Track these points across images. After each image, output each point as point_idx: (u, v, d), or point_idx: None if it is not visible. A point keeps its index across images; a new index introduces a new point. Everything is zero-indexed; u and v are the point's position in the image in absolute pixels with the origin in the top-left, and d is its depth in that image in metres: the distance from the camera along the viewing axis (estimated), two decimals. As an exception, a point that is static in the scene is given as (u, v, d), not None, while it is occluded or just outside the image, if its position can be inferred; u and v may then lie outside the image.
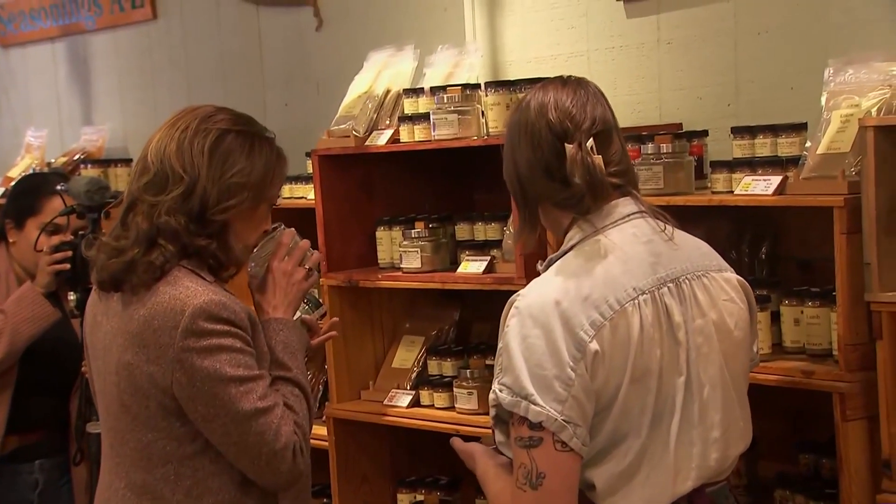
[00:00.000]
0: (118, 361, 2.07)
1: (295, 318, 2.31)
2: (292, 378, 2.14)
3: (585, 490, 1.85)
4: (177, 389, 2.02)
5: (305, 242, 2.27)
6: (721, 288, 1.95)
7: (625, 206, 1.92)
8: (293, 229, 2.27)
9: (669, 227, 1.94)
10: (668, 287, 1.88)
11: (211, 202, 2.07)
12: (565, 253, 1.92)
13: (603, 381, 1.82)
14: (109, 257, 2.08)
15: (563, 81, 1.98)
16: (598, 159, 1.87)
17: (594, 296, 1.83)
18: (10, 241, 3.31)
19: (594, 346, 1.80)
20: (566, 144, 1.88)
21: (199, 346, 2.01)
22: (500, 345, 1.87)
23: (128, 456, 2.10)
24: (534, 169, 1.92)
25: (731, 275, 1.99)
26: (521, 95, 2.03)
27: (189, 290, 2.03)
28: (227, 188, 2.08)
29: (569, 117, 1.91)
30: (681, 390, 1.86)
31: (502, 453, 1.97)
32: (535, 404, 1.78)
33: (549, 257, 1.96)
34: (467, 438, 2.89)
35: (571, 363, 1.79)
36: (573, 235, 1.92)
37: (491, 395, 1.87)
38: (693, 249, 1.97)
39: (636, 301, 1.84)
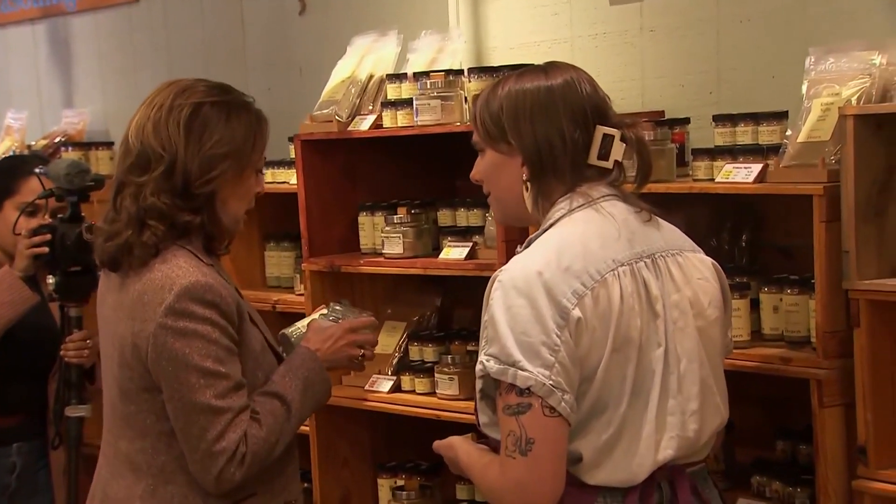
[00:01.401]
0: (114, 333, 2.13)
1: (308, 321, 2.41)
2: (291, 407, 2.14)
3: (570, 466, 1.87)
4: (150, 363, 2.06)
5: (376, 340, 2.41)
6: (695, 267, 1.99)
7: (602, 187, 1.96)
8: (376, 322, 2.44)
9: (645, 212, 1.97)
10: (645, 262, 1.92)
11: (193, 176, 2.09)
12: (545, 231, 1.94)
13: (587, 350, 1.85)
14: (106, 240, 2.13)
15: (564, 64, 2.02)
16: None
17: (575, 267, 1.86)
18: (-12, 223, 3.29)
19: (577, 313, 1.83)
20: (603, 126, 1.94)
21: (177, 326, 2.03)
22: (484, 318, 1.89)
23: (116, 425, 2.17)
24: (576, 145, 1.93)
25: (705, 257, 2.04)
26: (523, 70, 2.03)
27: (181, 270, 2.07)
28: (208, 160, 2.10)
29: (602, 97, 1.98)
30: (660, 361, 1.90)
31: (483, 442, 1.99)
32: (523, 370, 1.81)
33: (528, 238, 1.98)
34: (447, 423, 2.91)
35: (556, 330, 1.82)
36: (561, 208, 1.94)
37: (478, 367, 1.89)
38: (667, 231, 2.01)
39: (616, 272, 1.88)
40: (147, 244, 2.09)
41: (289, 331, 2.42)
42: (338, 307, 2.44)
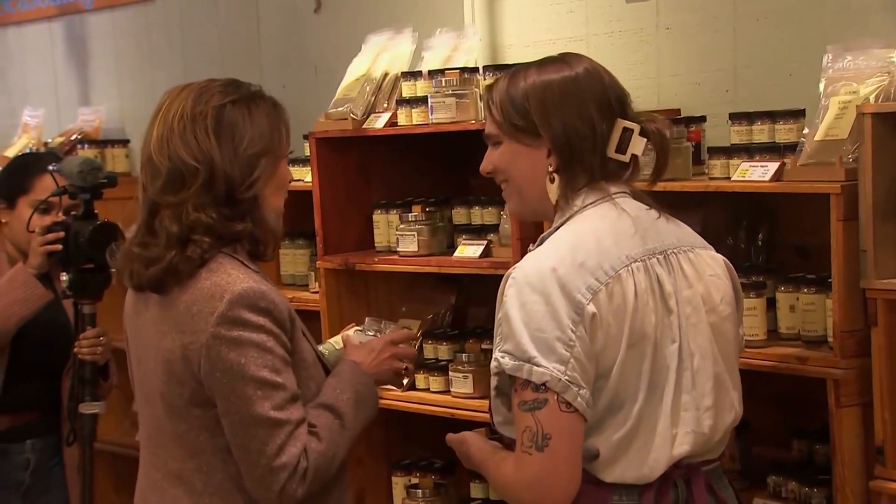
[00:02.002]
0: (157, 348, 2.01)
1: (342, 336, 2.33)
2: (345, 421, 2.04)
3: (586, 463, 1.86)
4: (203, 376, 1.96)
5: (415, 352, 2.31)
6: (706, 263, 1.99)
7: (614, 185, 1.96)
8: (416, 335, 2.30)
9: (654, 210, 1.98)
10: (658, 258, 1.92)
11: (236, 182, 1.99)
12: (558, 228, 1.94)
13: (602, 345, 1.84)
14: (145, 266, 2.00)
15: (579, 54, 2.02)
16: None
17: (589, 263, 1.85)
18: (3, 221, 3.30)
19: (591, 308, 1.83)
20: (630, 119, 1.94)
21: (230, 335, 1.93)
22: (498, 315, 1.89)
23: (165, 446, 2.05)
24: (602, 136, 1.93)
25: (716, 253, 2.04)
26: (542, 60, 2.03)
27: (230, 277, 1.96)
28: (247, 162, 2.00)
29: (622, 88, 1.97)
30: (674, 357, 1.89)
31: (496, 439, 1.99)
32: (539, 366, 1.81)
33: (541, 236, 1.97)
34: (462, 422, 2.90)
35: (571, 326, 1.82)
36: (575, 204, 1.94)
37: (493, 364, 1.88)
38: (678, 228, 2.01)
39: (629, 268, 1.88)
40: (192, 258, 1.97)
41: (320, 347, 2.35)
42: (372, 323, 2.38)
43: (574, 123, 1.92)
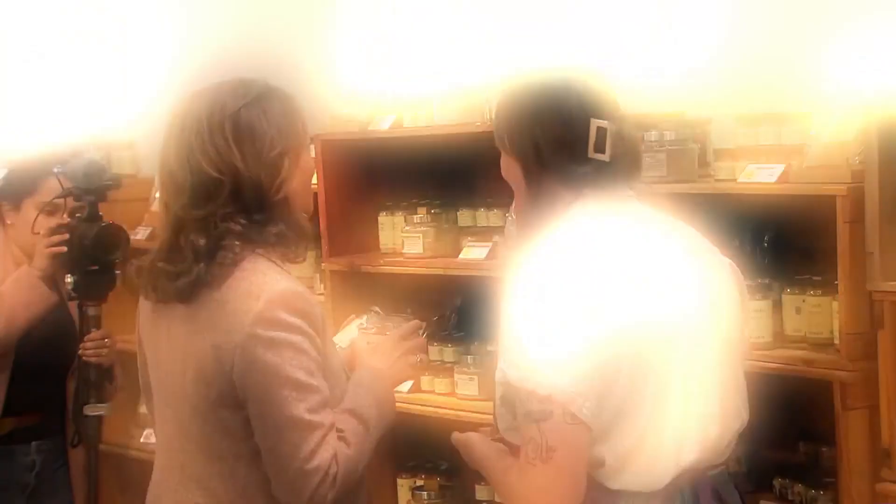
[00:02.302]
0: (186, 349, 1.98)
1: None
2: (369, 426, 2.01)
3: (592, 470, 1.85)
4: (236, 377, 1.92)
5: (424, 340, 2.27)
6: (713, 268, 1.98)
7: (616, 188, 1.94)
8: (420, 322, 2.32)
9: (661, 213, 1.96)
10: (664, 264, 1.90)
11: (265, 185, 1.96)
12: (561, 234, 1.92)
13: (608, 355, 1.82)
14: (172, 279, 1.97)
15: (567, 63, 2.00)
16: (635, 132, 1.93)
17: (594, 270, 1.84)
18: (7, 222, 3.30)
19: (597, 318, 1.81)
20: (597, 119, 1.90)
21: (267, 336, 1.90)
22: (502, 324, 1.88)
23: (185, 450, 2.01)
24: (563, 145, 1.91)
25: (723, 257, 2.02)
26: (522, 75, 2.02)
27: (267, 277, 1.95)
28: (272, 164, 1.97)
29: (595, 93, 1.94)
30: (681, 365, 1.88)
31: (499, 438, 1.98)
32: (544, 377, 1.79)
33: (544, 241, 1.93)
34: (467, 424, 2.90)
35: (576, 336, 1.80)
36: (574, 212, 1.92)
37: (497, 375, 1.87)
38: (684, 232, 2.00)
39: (635, 275, 1.85)
40: (224, 263, 1.95)
41: None
42: (374, 320, 2.36)
43: (530, 135, 1.92)
